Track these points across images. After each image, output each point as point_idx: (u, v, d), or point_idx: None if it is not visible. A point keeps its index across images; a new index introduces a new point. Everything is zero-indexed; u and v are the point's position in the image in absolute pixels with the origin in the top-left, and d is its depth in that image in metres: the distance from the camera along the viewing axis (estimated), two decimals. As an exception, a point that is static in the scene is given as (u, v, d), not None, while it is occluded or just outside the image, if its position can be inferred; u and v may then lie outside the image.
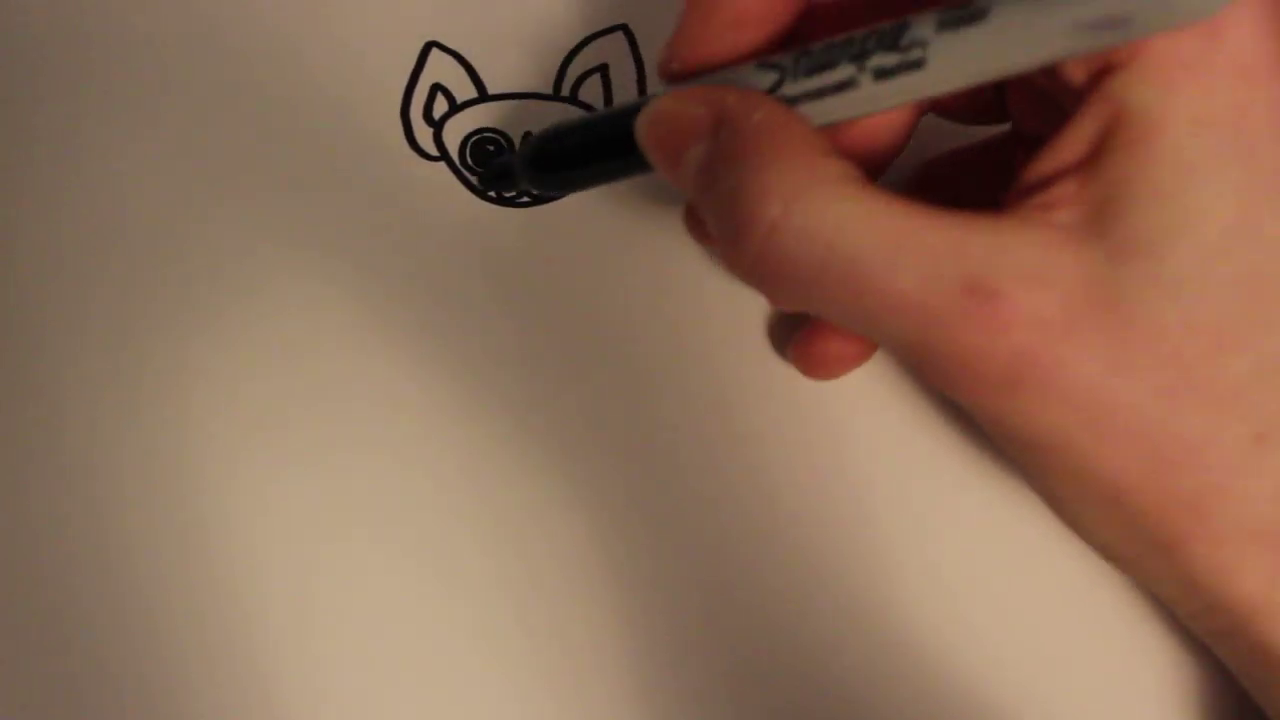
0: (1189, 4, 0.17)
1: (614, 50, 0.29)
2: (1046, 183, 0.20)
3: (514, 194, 0.28)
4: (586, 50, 0.29)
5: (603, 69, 0.29)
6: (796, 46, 0.21)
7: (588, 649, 0.26)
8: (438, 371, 0.27)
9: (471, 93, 0.29)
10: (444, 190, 0.28)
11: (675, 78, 0.23)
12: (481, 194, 0.28)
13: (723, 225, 0.21)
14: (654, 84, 0.29)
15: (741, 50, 0.22)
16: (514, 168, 0.27)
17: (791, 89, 0.21)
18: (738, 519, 0.27)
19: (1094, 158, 0.19)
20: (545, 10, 0.29)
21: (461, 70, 0.29)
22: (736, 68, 0.22)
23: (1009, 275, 0.19)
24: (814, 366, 0.26)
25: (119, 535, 0.26)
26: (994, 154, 0.25)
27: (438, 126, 0.29)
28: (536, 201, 0.28)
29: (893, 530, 0.27)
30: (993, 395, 0.20)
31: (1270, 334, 0.19)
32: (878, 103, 0.20)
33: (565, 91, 0.29)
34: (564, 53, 0.29)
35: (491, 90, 0.29)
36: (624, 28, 0.29)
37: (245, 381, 0.27)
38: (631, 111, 0.23)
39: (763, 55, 0.22)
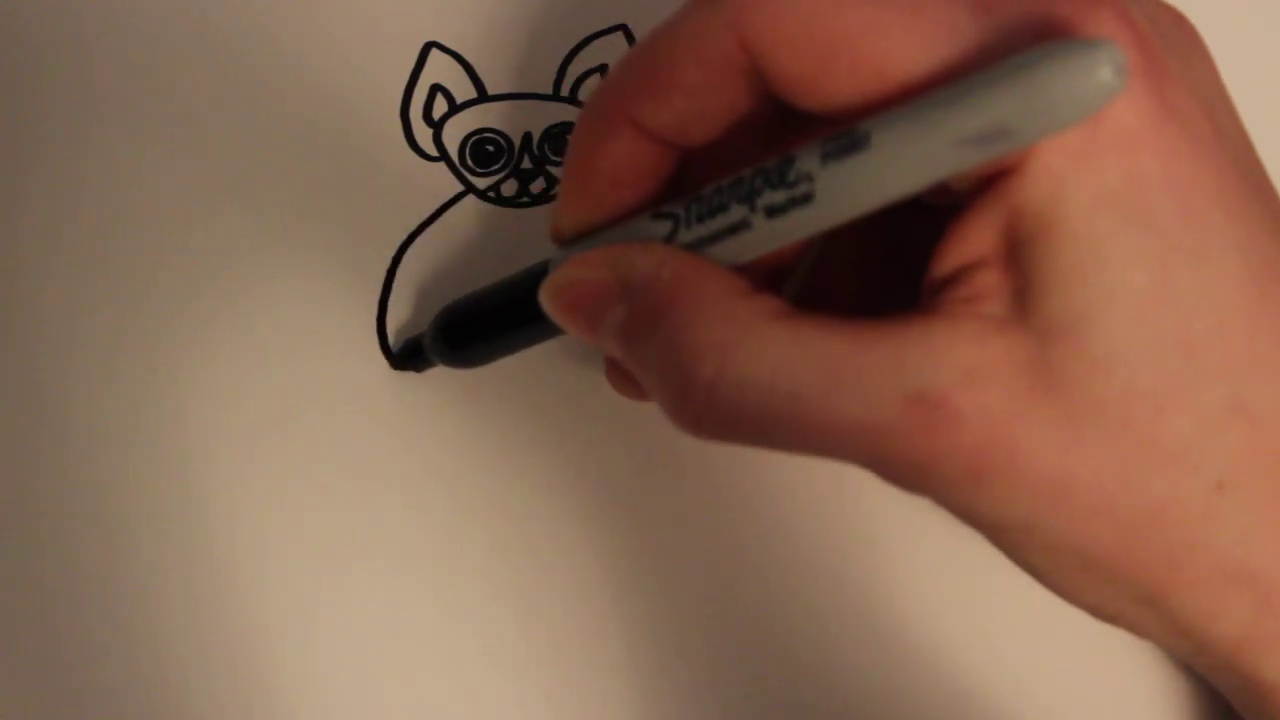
0: (1070, 108, 0.17)
1: (614, 50, 0.29)
2: (964, 273, 0.20)
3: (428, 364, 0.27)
4: (586, 50, 0.29)
5: (603, 69, 0.29)
6: (688, 193, 0.21)
7: (589, 659, 0.26)
8: (441, 372, 0.27)
9: (471, 93, 0.29)
10: (444, 190, 0.28)
11: (569, 243, 0.23)
12: (481, 194, 0.28)
13: (658, 388, 0.21)
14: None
15: (628, 206, 0.22)
16: (424, 346, 0.26)
17: (686, 236, 0.21)
18: (738, 523, 0.27)
19: (1007, 246, 0.19)
20: (545, 10, 0.29)
21: (461, 70, 0.29)
22: (630, 221, 0.22)
23: (949, 380, 0.19)
24: None
25: (120, 537, 0.26)
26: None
27: (437, 127, 0.29)
28: (536, 202, 0.28)
29: (894, 532, 0.27)
30: (955, 491, 0.20)
31: (1208, 386, 0.19)
32: (776, 240, 0.20)
33: (565, 91, 0.29)
34: (564, 53, 0.29)
35: (491, 90, 0.29)
36: (624, 28, 0.29)
37: (246, 382, 0.27)
38: (535, 276, 0.23)
39: (653, 206, 0.22)
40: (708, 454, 0.27)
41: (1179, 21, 0.22)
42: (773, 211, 0.19)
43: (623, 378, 0.25)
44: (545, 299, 0.23)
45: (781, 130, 0.21)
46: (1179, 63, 0.20)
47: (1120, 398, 0.19)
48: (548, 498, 0.27)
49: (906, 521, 0.27)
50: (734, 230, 0.20)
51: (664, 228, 0.21)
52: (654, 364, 0.21)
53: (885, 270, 0.25)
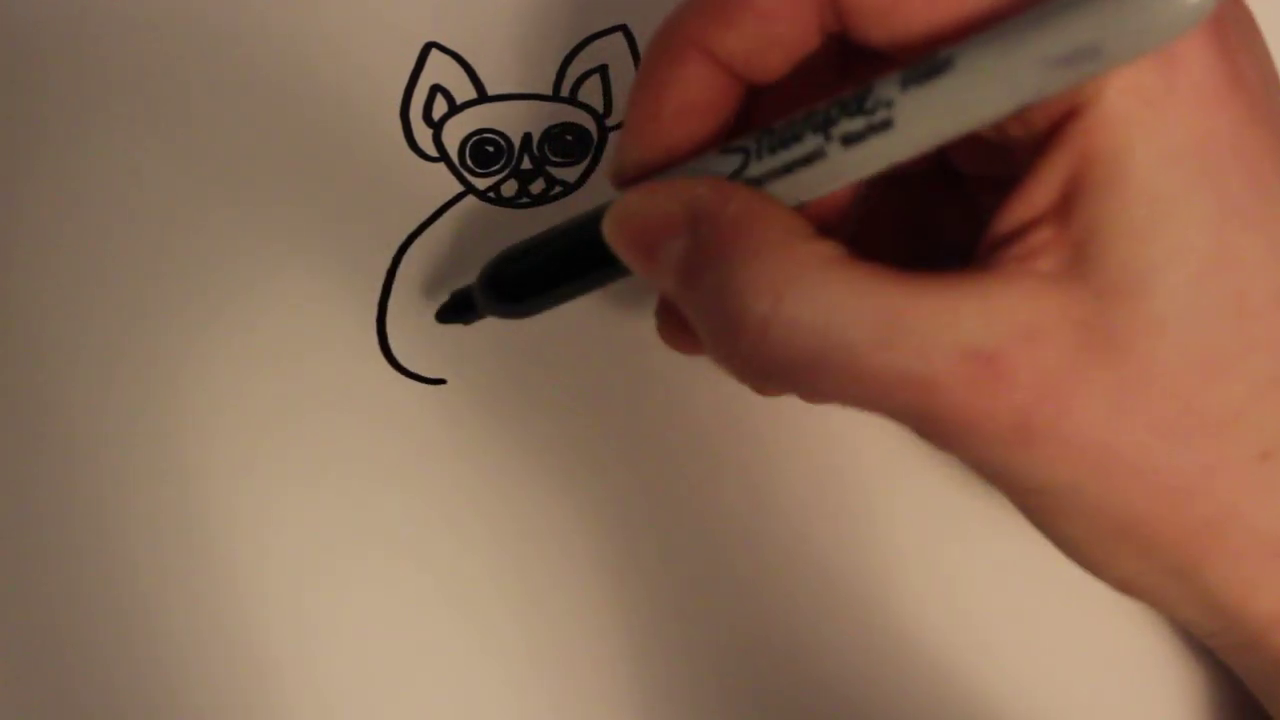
0: (1158, 28, 0.17)
1: (614, 50, 0.29)
2: (1021, 231, 0.19)
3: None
4: (586, 50, 0.29)
5: (603, 69, 0.29)
6: (755, 129, 0.21)
7: (588, 654, 0.26)
8: (438, 372, 0.27)
9: (471, 93, 0.29)
10: (444, 190, 0.28)
11: (630, 181, 0.23)
12: (481, 194, 0.28)
13: (711, 323, 0.21)
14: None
15: (694, 140, 0.22)
16: (473, 296, 0.26)
17: (757, 169, 0.20)
18: (741, 527, 0.27)
19: (1066, 202, 0.19)
20: (545, 10, 0.29)
21: (461, 70, 0.29)
22: (697, 158, 0.22)
23: (1003, 336, 0.19)
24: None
25: (120, 538, 0.26)
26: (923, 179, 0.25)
27: (437, 127, 0.29)
28: (536, 202, 0.28)
29: (897, 533, 0.27)
30: (1000, 450, 0.20)
31: (1260, 353, 0.19)
32: (849, 173, 0.20)
33: (565, 92, 0.29)
34: (564, 53, 0.29)
35: (491, 91, 0.29)
36: (624, 28, 0.29)
37: (246, 382, 0.27)
38: (590, 221, 0.23)
39: (720, 142, 0.22)
40: (707, 455, 0.27)
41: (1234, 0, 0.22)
42: (850, 140, 0.19)
43: (674, 327, 0.25)
44: (608, 228, 0.22)
45: (849, 80, 0.21)
46: (1241, 36, 0.20)
47: (1174, 360, 0.19)
48: (548, 496, 0.27)
49: (912, 522, 0.27)
50: (808, 161, 0.20)
51: (733, 162, 0.21)
52: (709, 300, 0.20)
53: (919, 256, 0.25)
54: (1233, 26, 0.19)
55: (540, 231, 0.25)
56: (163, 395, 0.27)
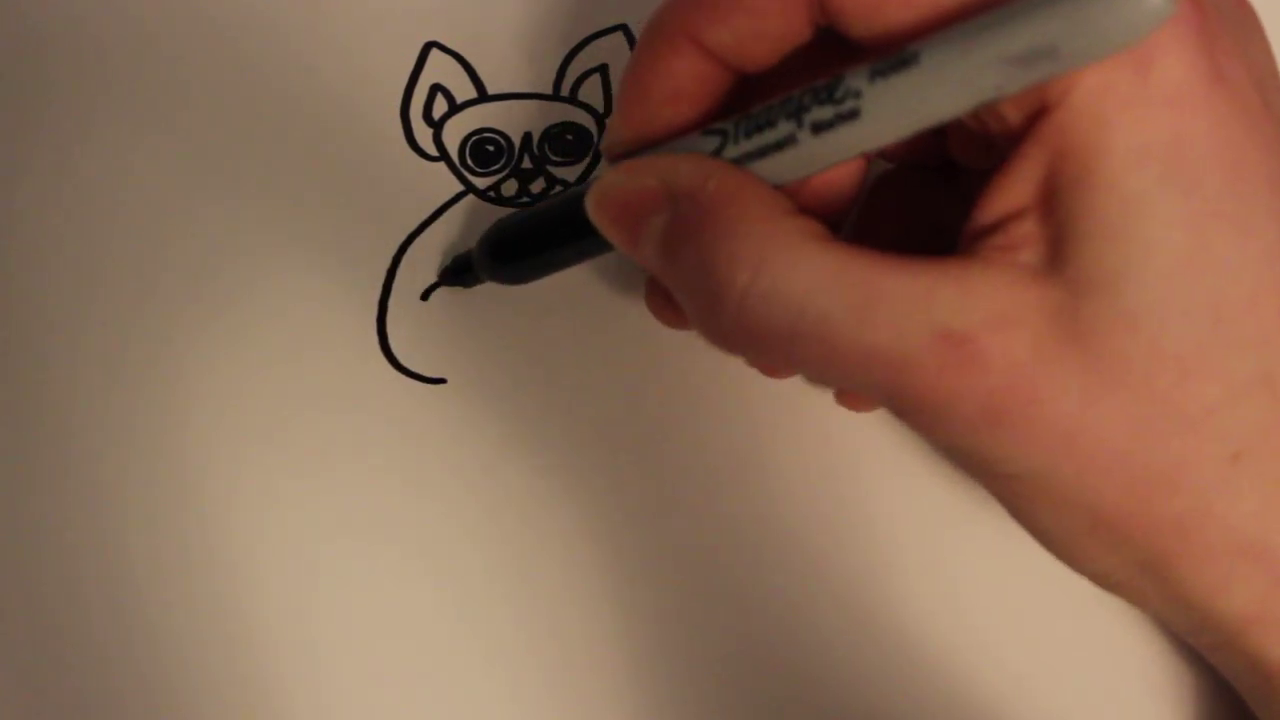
0: (1117, 31, 0.17)
1: (614, 50, 0.29)
2: (1003, 222, 0.20)
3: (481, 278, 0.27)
4: (586, 50, 0.29)
5: (603, 69, 0.29)
6: (737, 113, 0.21)
7: (587, 653, 0.26)
8: (438, 372, 0.27)
9: (471, 93, 0.29)
10: (444, 190, 0.28)
11: (620, 158, 0.23)
12: (481, 193, 0.28)
13: (692, 296, 0.21)
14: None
15: (681, 124, 0.23)
16: (473, 262, 0.27)
17: (733, 151, 0.21)
18: (739, 523, 0.27)
19: (1047, 196, 0.19)
20: (545, 10, 0.29)
21: (461, 70, 0.29)
22: (679, 139, 0.22)
23: (978, 320, 0.19)
24: (855, 404, 0.26)
25: (120, 538, 0.26)
26: (928, 177, 0.26)
27: (437, 127, 0.29)
28: (536, 202, 0.28)
29: (894, 533, 0.27)
30: (972, 434, 0.20)
31: (1236, 355, 0.19)
32: (820, 159, 0.20)
33: (565, 91, 0.29)
34: (564, 53, 0.29)
35: (491, 90, 0.29)
36: (624, 28, 0.29)
37: (246, 382, 0.27)
38: (584, 194, 0.23)
39: (703, 125, 0.22)
40: (709, 453, 0.27)
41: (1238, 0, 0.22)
42: (819, 128, 0.20)
43: (662, 301, 0.25)
44: (591, 205, 0.23)
45: (834, 69, 0.22)
46: (1234, 35, 0.20)
47: (1146, 357, 0.19)
48: (548, 495, 0.27)
49: (912, 521, 0.27)
50: (780, 146, 0.20)
51: (712, 143, 0.21)
52: (690, 273, 0.21)
53: (923, 249, 0.25)
54: (1224, 26, 0.19)
55: (540, 202, 0.26)
56: (163, 395, 0.27)
